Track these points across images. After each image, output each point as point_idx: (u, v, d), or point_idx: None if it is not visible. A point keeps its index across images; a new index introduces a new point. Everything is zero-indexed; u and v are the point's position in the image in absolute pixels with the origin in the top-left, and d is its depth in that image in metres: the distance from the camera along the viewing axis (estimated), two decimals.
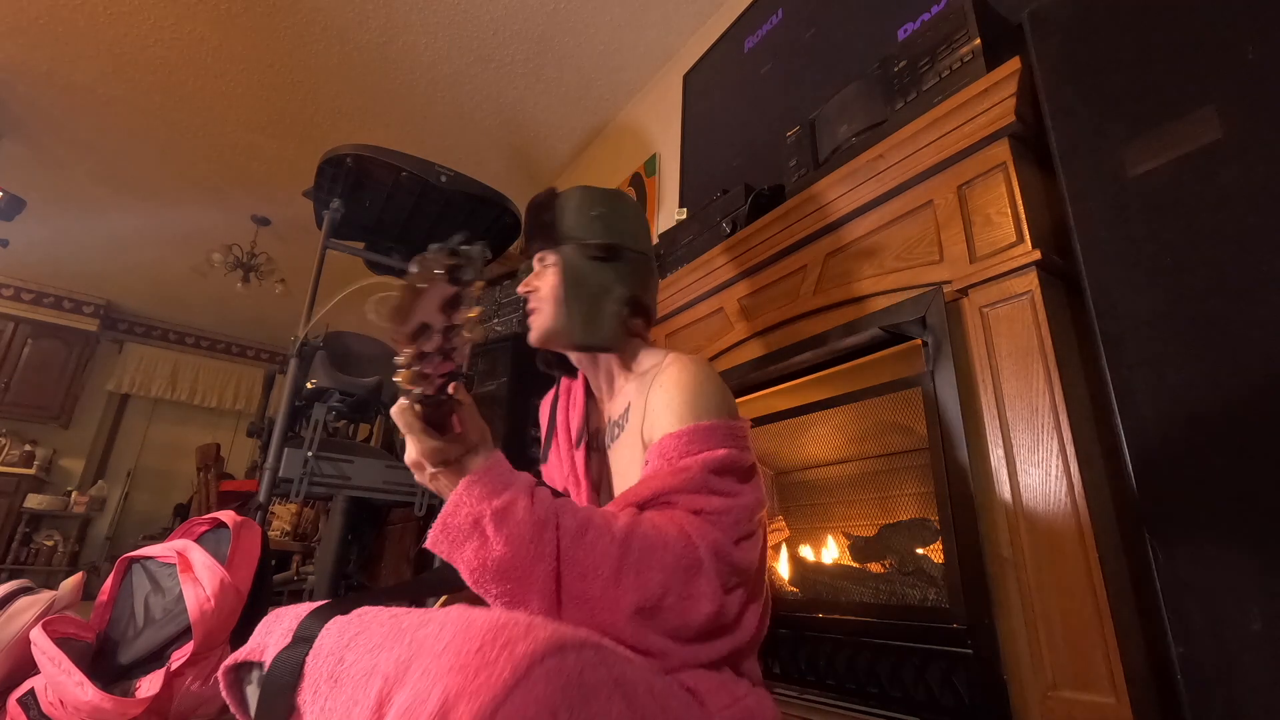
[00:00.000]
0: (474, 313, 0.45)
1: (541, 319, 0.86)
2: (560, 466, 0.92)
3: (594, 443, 0.90)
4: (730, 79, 2.15)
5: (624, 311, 0.86)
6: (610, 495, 0.86)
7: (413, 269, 0.43)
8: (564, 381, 1.00)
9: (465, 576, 0.53)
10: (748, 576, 0.64)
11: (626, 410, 0.83)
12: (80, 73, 2.75)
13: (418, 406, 0.51)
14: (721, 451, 0.66)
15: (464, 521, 0.52)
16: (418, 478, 0.57)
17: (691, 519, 0.61)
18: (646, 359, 0.86)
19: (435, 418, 0.53)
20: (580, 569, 0.53)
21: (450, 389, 0.50)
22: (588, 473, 0.87)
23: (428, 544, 0.54)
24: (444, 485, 0.55)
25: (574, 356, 0.92)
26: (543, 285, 0.87)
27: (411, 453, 0.55)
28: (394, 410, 0.52)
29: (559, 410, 0.97)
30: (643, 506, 0.64)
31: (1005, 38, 1.04)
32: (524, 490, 0.55)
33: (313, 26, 2.49)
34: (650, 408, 0.75)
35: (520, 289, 0.90)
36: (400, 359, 0.46)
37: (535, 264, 0.90)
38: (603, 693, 0.40)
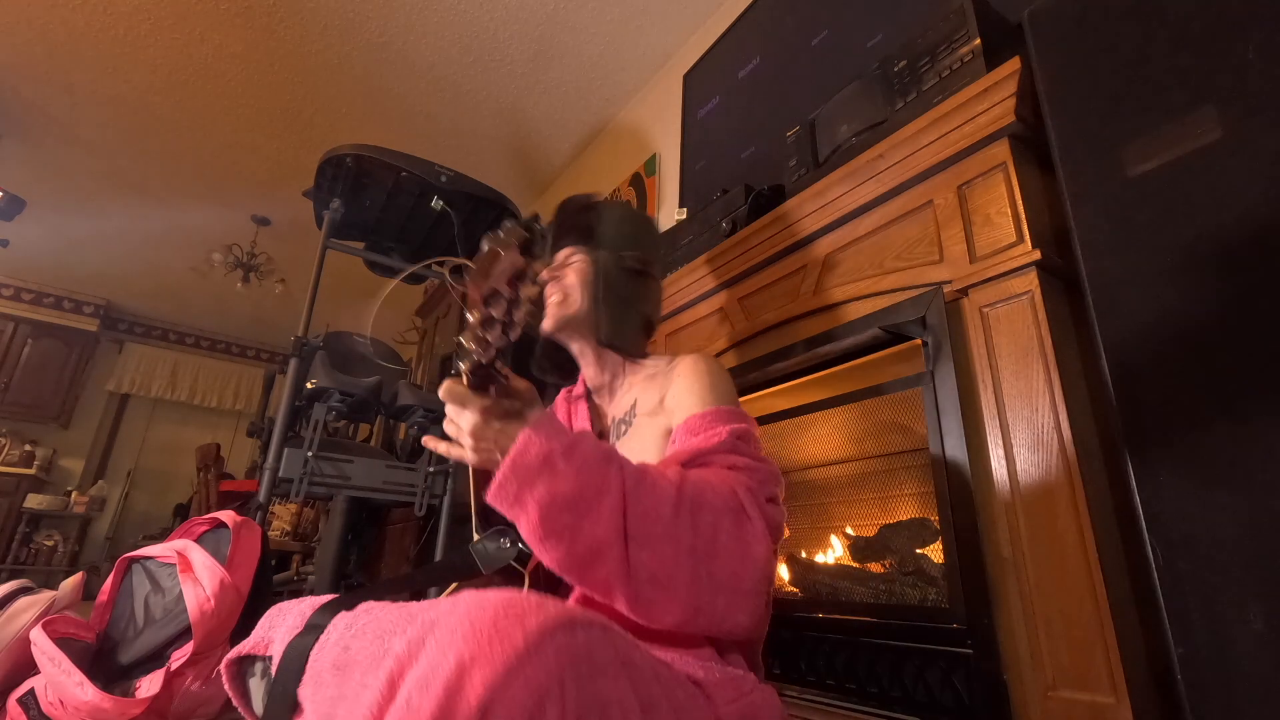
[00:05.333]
0: (534, 291, 0.49)
1: (566, 308, 0.89)
2: None
3: None
4: (730, 78, 2.15)
5: (643, 325, 0.92)
6: None
7: (487, 240, 0.48)
8: (563, 392, 1.02)
9: (532, 518, 0.54)
10: (775, 540, 0.66)
11: (633, 406, 0.86)
12: (80, 73, 2.75)
13: (468, 376, 0.54)
14: (744, 425, 0.72)
15: (534, 459, 0.54)
16: (472, 449, 0.59)
17: (727, 472, 0.65)
18: (650, 364, 0.91)
19: (480, 388, 0.56)
20: (643, 508, 0.55)
21: (498, 365, 0.54)
22: None
23: (489, 496, 0.55)
24: (505, 441, 0.57)
25: (584, 357, 0.94)
26: (571, 277, 0.90)
27: (471, 416, 0.58)
28: (443, 388, 0.56)
29: (560, 417, 0.98)
30: (681, 466, 0.68)
31: (1005, 38, 1.04)
32: (585, 433, 0.59)
33: (313, 26, 2.49)
34: (673, 394, 0.80)
35: (544, 274, 0.92)
36: (471, 318, 0.50)
37: (560, 257, 0.93)
38: (610, 671, 0.40)
